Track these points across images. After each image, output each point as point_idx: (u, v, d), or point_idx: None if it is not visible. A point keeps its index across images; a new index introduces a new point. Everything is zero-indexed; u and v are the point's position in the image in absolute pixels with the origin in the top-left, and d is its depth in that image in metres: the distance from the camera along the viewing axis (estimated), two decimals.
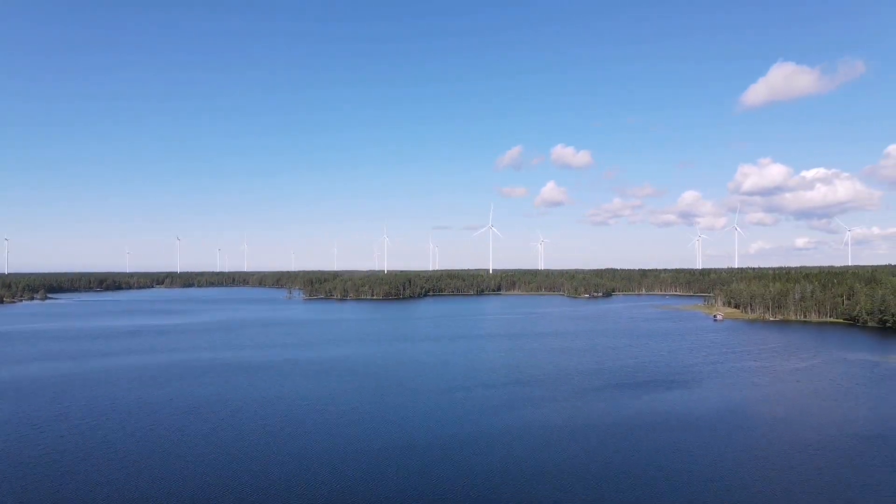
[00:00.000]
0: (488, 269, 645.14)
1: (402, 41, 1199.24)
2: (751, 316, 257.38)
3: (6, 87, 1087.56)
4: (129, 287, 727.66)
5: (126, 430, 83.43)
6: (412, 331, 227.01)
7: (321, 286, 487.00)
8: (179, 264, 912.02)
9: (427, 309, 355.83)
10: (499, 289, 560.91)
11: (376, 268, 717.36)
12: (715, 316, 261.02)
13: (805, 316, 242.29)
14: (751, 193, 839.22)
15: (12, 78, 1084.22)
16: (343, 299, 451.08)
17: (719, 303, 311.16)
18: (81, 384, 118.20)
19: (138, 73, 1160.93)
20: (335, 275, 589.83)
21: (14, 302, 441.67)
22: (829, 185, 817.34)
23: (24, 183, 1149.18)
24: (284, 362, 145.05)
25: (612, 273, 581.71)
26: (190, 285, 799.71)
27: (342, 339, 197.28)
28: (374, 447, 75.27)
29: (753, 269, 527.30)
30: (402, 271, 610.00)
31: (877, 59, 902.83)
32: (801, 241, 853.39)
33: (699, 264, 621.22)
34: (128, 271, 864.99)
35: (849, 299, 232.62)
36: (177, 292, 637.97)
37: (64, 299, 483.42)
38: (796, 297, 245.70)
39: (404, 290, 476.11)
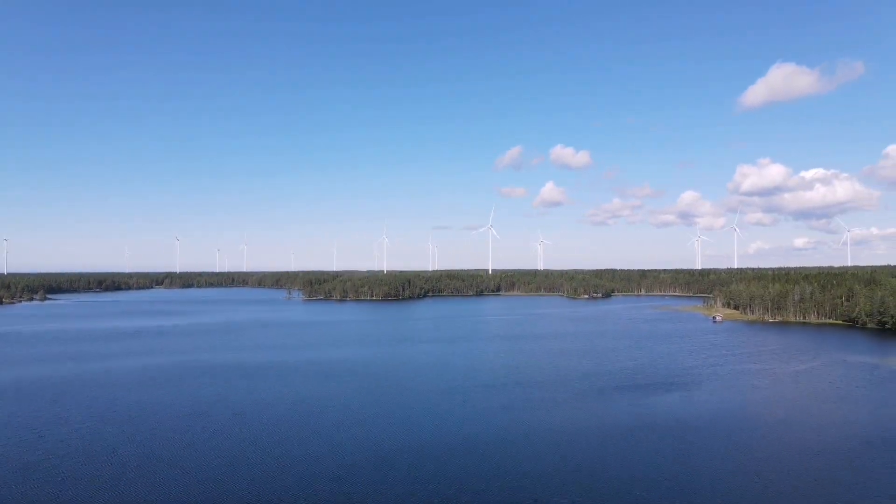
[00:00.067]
0: (488, 270, 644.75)
1: (401, 41, 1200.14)
2: (750, 317, 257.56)
3: (6, 87, 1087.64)
4: (129, 288, 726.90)
5: (127, 434, 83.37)
6: (412, 332, 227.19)
7: (320, 287, 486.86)
8: (179, 265, 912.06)
9: (426, 310, 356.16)
10: (498, 289, 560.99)
11: (376, 268, 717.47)
12: (714, 317, 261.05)
13: (804, 317, 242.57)
14: (750, 194, 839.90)
15: (12, 78, 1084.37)
16: (342, 300, 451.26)
17: (718, 304, 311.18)
18: (81, 386, 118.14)
19: (138, 73, 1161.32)
20: (335, 275, 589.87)
21: (13, 303, 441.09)
22: (828, 185, 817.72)
23: (23, 183, 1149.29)
24: (284, 364, 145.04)
25: (611, 273, 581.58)
26: (189, 286, 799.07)
27: (342, 340, 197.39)
28: (375, 448, 75.24)
29: (753, 269, 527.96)
30: (401, 271, 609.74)
31: (876, 60, 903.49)
32: (800, 242, 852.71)
33: (698, 265, 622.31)
34: (127, 272, 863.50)
35: (848, 301, 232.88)
36: (176, 293, 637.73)
37: (63, 300, 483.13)
38: (795, 298, 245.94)
39: (404, 290, 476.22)
